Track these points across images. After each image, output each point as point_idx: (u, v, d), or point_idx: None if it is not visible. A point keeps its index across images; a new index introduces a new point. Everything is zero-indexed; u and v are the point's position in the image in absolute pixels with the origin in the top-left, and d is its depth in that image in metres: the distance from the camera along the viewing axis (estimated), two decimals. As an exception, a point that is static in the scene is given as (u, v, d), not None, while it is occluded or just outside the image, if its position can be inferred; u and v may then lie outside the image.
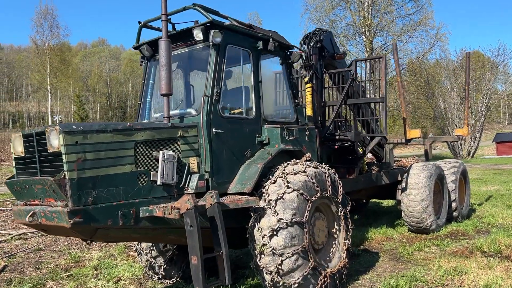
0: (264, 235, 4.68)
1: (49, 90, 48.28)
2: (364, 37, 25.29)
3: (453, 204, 9.13)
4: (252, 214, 4.85)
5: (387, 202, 12.24)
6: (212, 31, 4.87)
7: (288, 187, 4.82)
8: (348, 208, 5.64)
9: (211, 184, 4.77)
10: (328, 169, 5.41)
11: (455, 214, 9.19)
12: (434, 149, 48.79)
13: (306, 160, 5.37)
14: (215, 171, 4.82)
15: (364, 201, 11.16)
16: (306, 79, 7.58)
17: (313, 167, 5.25)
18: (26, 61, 67.64)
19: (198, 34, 4.94)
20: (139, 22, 5.52)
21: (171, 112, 5.10)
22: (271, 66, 6.20)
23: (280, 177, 4.96)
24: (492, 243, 6.73)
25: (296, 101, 6.17)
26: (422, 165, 8.43)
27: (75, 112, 63.04)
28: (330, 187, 5.26)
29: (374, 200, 11.81)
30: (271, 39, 5.61)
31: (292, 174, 4.99)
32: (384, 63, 7.28)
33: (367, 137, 8.68)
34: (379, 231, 8.33)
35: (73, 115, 63.43)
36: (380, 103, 7.32)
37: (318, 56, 7.67)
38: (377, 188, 8.92)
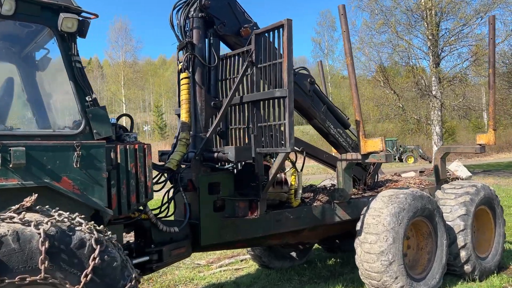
0: None
1: (123, 101, 49.73)
2: (425, 23, 21.15)
3: (462, 253, 5.81)
4: None
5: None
6: None
7: None
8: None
9: None
10: (54, 228, 2.84)
11: (466, 268, 5.86)
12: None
13: (19, 210, 2.89)
14: None
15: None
16: (179, 67, 5.01)
17: (20, 222, 2.75)
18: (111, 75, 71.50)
19: None
20: None
21: None
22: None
23: None
24: None
25: (88, 99, 3.67)
26: (391, 194, 5.33)
27: (153, 122, 64.87)
28: (46, 262, 2.71)
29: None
30: (-5, -7, 3.22)
31: None
32: (286, 34, 4.42)
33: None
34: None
35: (151, 125, 65.25)
36: (282, 100, 4.46)
37: (203, 32, 5.05)
38: (338, 225, 5.97)
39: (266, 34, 4.77)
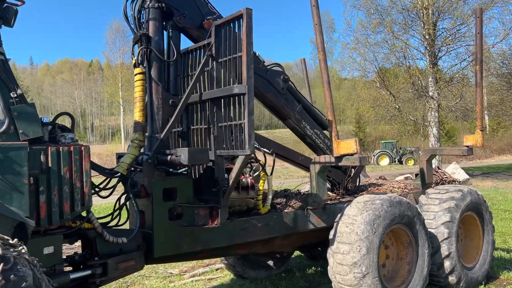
0: None
1: (121, 103, 49.38)
2: (422, 22, 20.70)
3: (447, 263, 5.39)
4: None
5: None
6: None
7: None
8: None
9: None
10: None
11: (451, 279, 5.44)
12: None
13: None
14: None
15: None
16: (133, 62, 4.62)
17: None
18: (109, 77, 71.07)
19: None
20: None
21: None
22: None
23: None
24: None
25: (12, 95, 3.28)
26: (366, 200, 4.92)
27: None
28: None
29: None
30: None
31: None
32: (246, 25, 4.02)
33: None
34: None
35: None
36: (242, 97, 4.06)
37: (161, 24, 4.65)
38: (314, 233, 5.55)
39: (227, 26, 4.37)
